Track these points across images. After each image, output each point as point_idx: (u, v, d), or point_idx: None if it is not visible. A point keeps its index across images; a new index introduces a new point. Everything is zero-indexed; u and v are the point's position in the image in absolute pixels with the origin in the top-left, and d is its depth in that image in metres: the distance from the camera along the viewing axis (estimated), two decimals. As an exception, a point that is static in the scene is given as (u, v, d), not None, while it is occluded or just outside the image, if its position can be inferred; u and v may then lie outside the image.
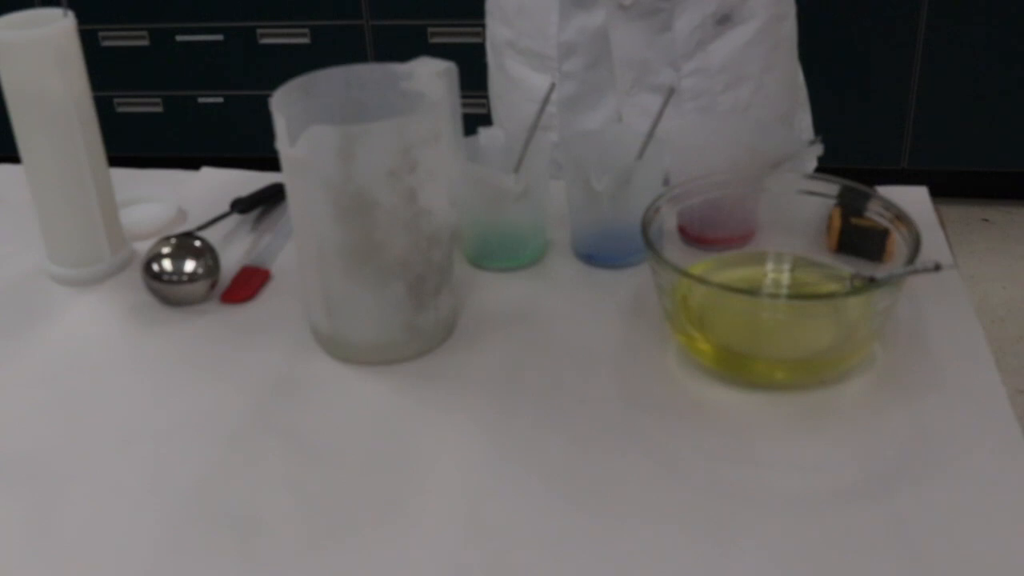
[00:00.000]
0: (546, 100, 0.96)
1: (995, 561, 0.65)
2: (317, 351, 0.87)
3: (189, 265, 0.94)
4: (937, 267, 0.77)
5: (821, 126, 1.35)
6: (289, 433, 0.79)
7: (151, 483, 0.75)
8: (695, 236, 0.95)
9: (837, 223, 0.89)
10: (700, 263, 0.90)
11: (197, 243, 0.95)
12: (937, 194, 1.07)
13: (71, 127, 0.93)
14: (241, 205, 1.07)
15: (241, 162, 1.29)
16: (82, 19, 0.97)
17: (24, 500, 0.74)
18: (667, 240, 0.91)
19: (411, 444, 0.77)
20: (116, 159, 1.04)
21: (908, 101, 2.63)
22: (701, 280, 0.80)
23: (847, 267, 0.87)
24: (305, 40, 2.78)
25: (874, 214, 0.86)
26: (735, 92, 1.21)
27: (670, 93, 0.95)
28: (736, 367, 0.81)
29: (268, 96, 0.81)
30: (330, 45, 2.77)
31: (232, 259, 1.00)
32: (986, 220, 2.73)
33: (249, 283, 0.96)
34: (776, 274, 0.90)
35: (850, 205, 0.87)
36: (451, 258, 0.87)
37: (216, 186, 1.14)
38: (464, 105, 0.98)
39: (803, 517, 0.69)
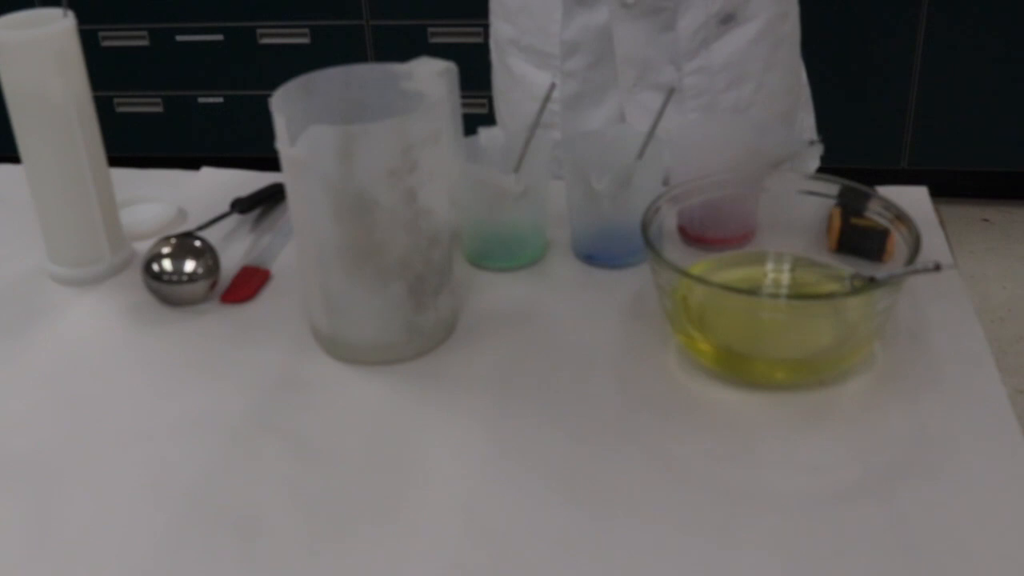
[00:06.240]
0: (546, 100, 0.96)
1: (995, 561, 0.65)
2: (317, 351, 0.87)
3: (189, 265, 0.94)
4: (937, 267, 0.77)
5: (821, 126, 1.35)
6: (289, 433, 0.79)
7: (151, 483, 0.75)
8: (695, 236, 0.95)
9: (837, 223, 0.89)
10: (700, 263, 0.90)
11: (197, 243, 0.95)
12: (937, 194, 1.07)
13: (71, 127, 0.93)
14: (241, 205, 1.07)
15: (241, 162, 1.29)
16: (82, 19, 0.97)
17: (24, 500, 0.74)
18: (667, 240, 0.91)
19: (411, 444, 0.77)
20: (116, 159, 1.04)
21: (908, 101, 2.63)
22: (701, 280, 0.80)
23: (847, 267, 0.87)
24: (305, 40, 2.78)
25: (874, 214, 0.86)
26: (737, 91, 1.21)
27: (670, 93, 0.95)
28: (736, 367, 0.81)
29: (268, 96, 0.81)
30: (330, 45, 2.77)
31: (232, 259, 1.00)
32: (986, 220, 2.73)
33: (249, 283, 0.96)
34: (776, 274, 0.90)
35: (850, 205, 0.87)
36: (451, 258, 0.87)
37: (216, 186, 1.14)
38: (464, 105, 0.98)
39: (803, 517, 0.69)
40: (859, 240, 0.87)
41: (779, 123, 1.25)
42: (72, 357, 0.89)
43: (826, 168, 1.04)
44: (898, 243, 0.83)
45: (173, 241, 0.95)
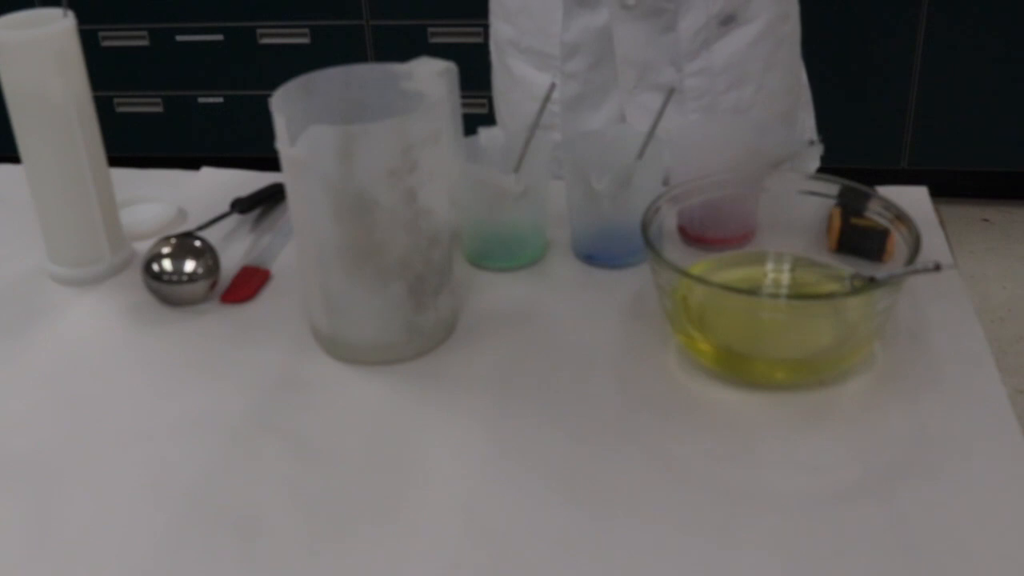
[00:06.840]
0: (546, 100, 0.96)
1: (995, 560, 0.65)
2: (317, 351, 0.87)
3: (189, 265, 0.94)
4: (937, 267, 0.77)
5: (821, 126, 1.35)
6: (289, 433, 0.79)
7: (151, 483, 0.75)
8: (695, 236, 0.95)
9: (837, 223, 0.89)
10: (700, 263, 0.90)
11: (197, 243, 0.95)
12: (937, 194, 1.07)
13: (71, 127, 0.93)
14: (241, 205, 1.07)
15: (241, 162, 1.29)
16: (82, 19, 0.97)
17: (24, 500, 0.74)
18: (667, 240, 0.91)
19: (411, 444, 0.77)
20: (116, 159, 1.04)
21: (908, 101, 2.63)
22: (701, 280, 0.80)
23: (847, 267, 0.87)
24: (305, 40, 2.78)
25: (874, 214, 0.86)
26: (738, 92, 1.21)
27: (670, 93, 0.95)
28: (736, 367, 0.81)
29: (268, 96, 0.81)
30: (330, 45, 2.77)
31: (232, 259, 1.00)
32: (986, 220, 2.73)
33: (249, 283, 0.96)
34: (776, 274, 0.90)
35: (850, 205, 0.87)
36: (451, 258, 0.87)
37: (216, 186, 1.14)
38: (464, 105, 0.98)
39: (803, 517, 0.69)
40: (859, 240, 0.87)
41: (779, 123, 1.25)
42: (72, 357, 0.89)
43: (826, 168, 1.04)
44: (898, 243, 0.83)
45: (173, 241, 0.95)
